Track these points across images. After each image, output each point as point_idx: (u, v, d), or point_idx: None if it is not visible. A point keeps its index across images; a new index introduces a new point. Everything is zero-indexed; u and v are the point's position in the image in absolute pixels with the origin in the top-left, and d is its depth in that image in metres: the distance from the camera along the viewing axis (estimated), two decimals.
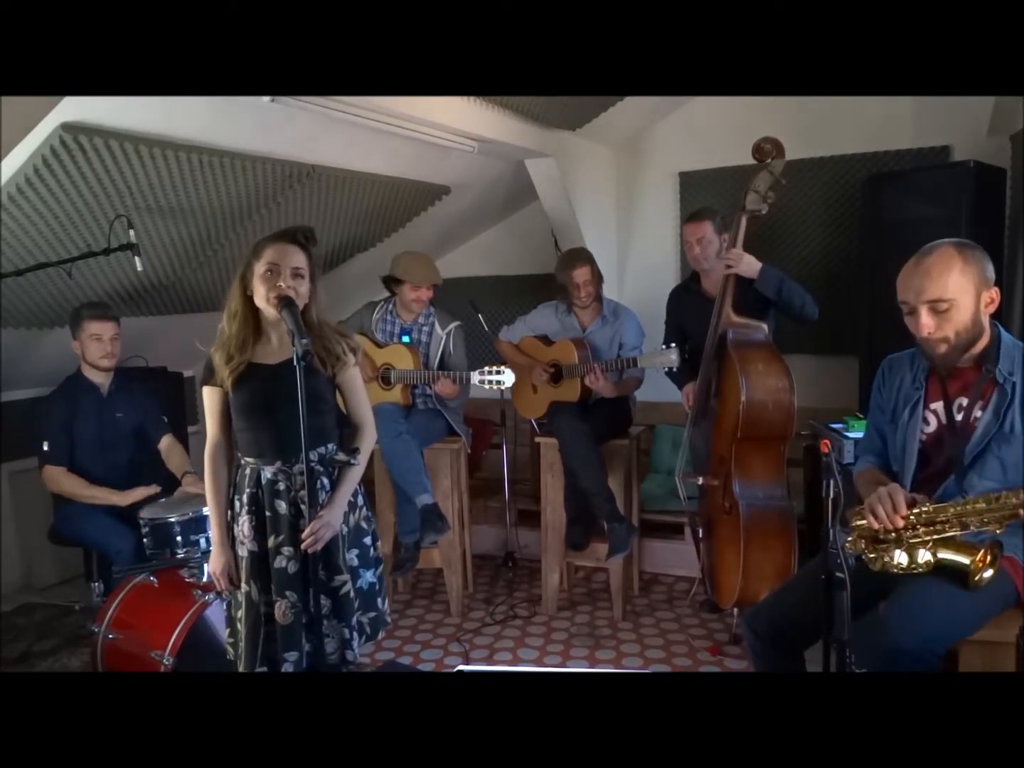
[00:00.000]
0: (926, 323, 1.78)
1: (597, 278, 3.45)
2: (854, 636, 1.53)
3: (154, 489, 2.91)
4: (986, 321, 1.82)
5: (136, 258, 2.60)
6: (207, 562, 2.58)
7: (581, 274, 3.39)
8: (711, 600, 3.24)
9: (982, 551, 1.66)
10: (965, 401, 1.86)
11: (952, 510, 1.73)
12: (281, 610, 1.97)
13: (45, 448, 2.95)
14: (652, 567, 3.94)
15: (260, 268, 1.95)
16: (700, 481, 3.03)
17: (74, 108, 2.16)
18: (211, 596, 2.48)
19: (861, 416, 2.81)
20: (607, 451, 3.33)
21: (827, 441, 1.62)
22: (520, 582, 3.90)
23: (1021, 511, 1.62)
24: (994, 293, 1.80)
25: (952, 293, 1.76)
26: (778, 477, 2.84)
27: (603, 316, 3.49)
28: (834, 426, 3.08)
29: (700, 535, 3.16)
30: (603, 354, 3.41)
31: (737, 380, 2.74)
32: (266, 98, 2.42)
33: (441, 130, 3.07)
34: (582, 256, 3.45)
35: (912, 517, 1.75)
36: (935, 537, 1.73)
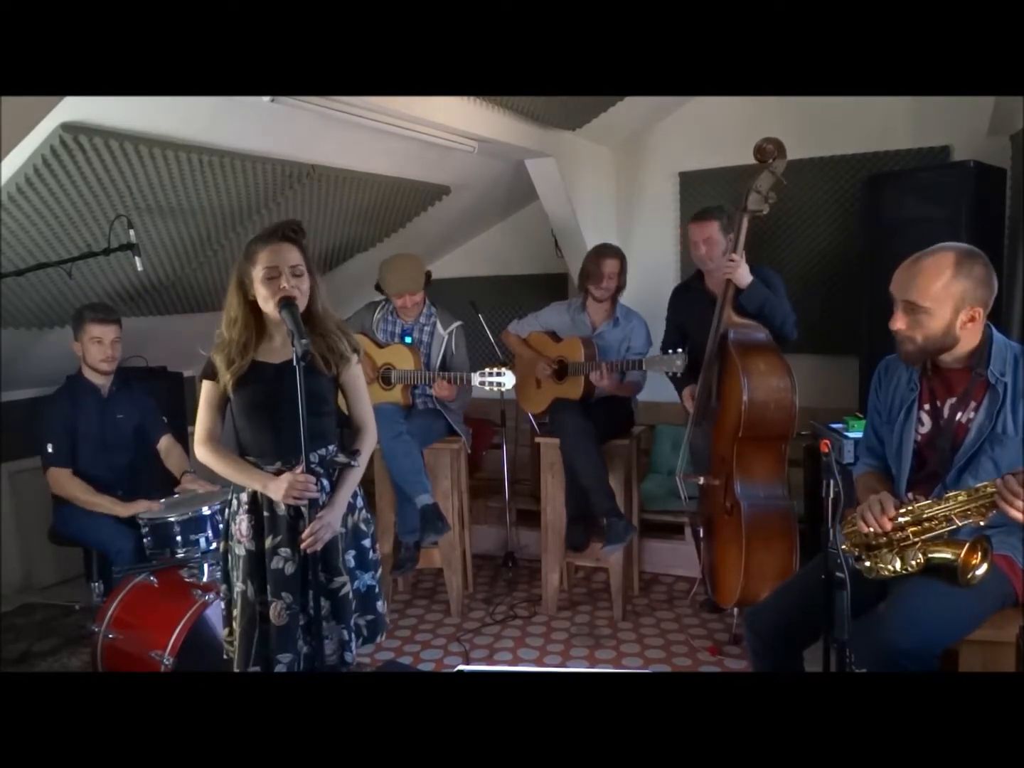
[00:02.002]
0: (898, 318, 1.82)
1: (622, 278, 3.48)
2: (854, 636, 1.54)
3: (157, 504, 2.84)
4: (964, 334, 1.81)
5: (136, 258, 2.60)
6: (207, 562, 2.59)
7: (611, 264, 3.43)
8: (711, 600, 3.24)
9: (967, 545, 1.67)
10: (958, 402, 1.87)
11: (937, 507, 1.74)
12: (276, 611, 1.97)
13: (49, 450, 2.94)
14: (652, 567, 3.94)
15: (259, 272, 1.93)
16: (701, 481, 3.03)
17: (74, 108, 2.16)
18: (211, 596, 2.48)
19: (861, 416, 2.81)
20: (608, 451, 3.33)
21: (827, 441, 1.63)
22: (520, 582, 3.90)
23: (997, 497, 1.63)
24: (976, 312, 1.79)
25: (928, 302, 1.77)
26: (779, 477, 2.85)
27: (615, 319, 3.50)
28: (834, 426, 3.08)
29: (701, 535, 3.17)
30: (611, 356, 3.42)
31: (739, 380, 2.74)
32: (266, 98, 2.42)
33: (441, 130, 3.07)
34: (617, 251, 3.50)
35: (900, 519, 1.77)
36: (924, 537, 1.74)
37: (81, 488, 2.93)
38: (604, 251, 3.48)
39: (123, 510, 2.87)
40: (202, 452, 2.04)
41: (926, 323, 1.79)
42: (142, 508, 2.84)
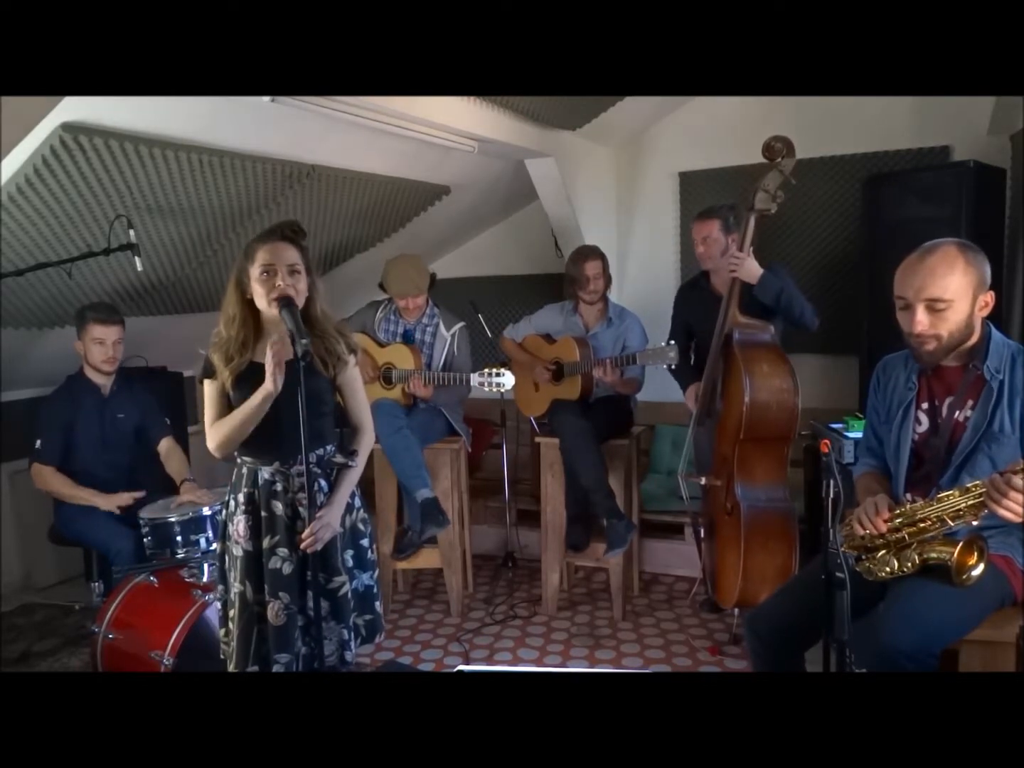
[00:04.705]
0: (921, 320, 1.79)
1: (607, 276, 3.48)
2: (854, 636, 1.54)
3: (140, 494, 2.87)
4: (978, 323, 1.83)
5: (136, 258, 2.60)
6: (207, 562, 2.59)
7: (592, 267, 3.42)
8: (711, 600, 3.24)
9: (961, 544, 1.67)
10: (955, 400, 1.87)
11: (930, 507, 1.74)
12: (274, 611, 1.96)
13: (37, 446, 2.95)
14: (652, 567, 3.94)
15: (256, 270, 1.94)
16: (703, 481, 3.03)
17: (74, 108, 2.16)
18: (211, 596, 2.48)
19: (861, 416, 2.81)
20: (608, 451, 3.33)
21: (827, 441, 1.63)
22: (520, 582, 3.90)
23: (985, 496, 1.63)
24: (989, 297, 1.81)
25: (952, 294, 1.76)
26: (780, 478, 2.84)
27: (608, 318, 3.50)
28: (834, 426, 3.08)
29: (701, 535, 3.16)
30: (606, 356, 3.41)
31: (741, 380, 2.74)
32: (266, 98, 2.42)
33: (441, 130, 3.07)
34: (595, 251, 3.49)
35: (895, 521, 1.77)
36: (919, 538, 1.74)
37: (62, 482, 2.94)
38: (584, 254, 3.47)
39: (103, 501, 2.88)
40: (216, 446, 2.02)
41: (951, 317, 1.78)
42: (124, 500, 2.86)
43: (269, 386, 1.90)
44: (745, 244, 2.87)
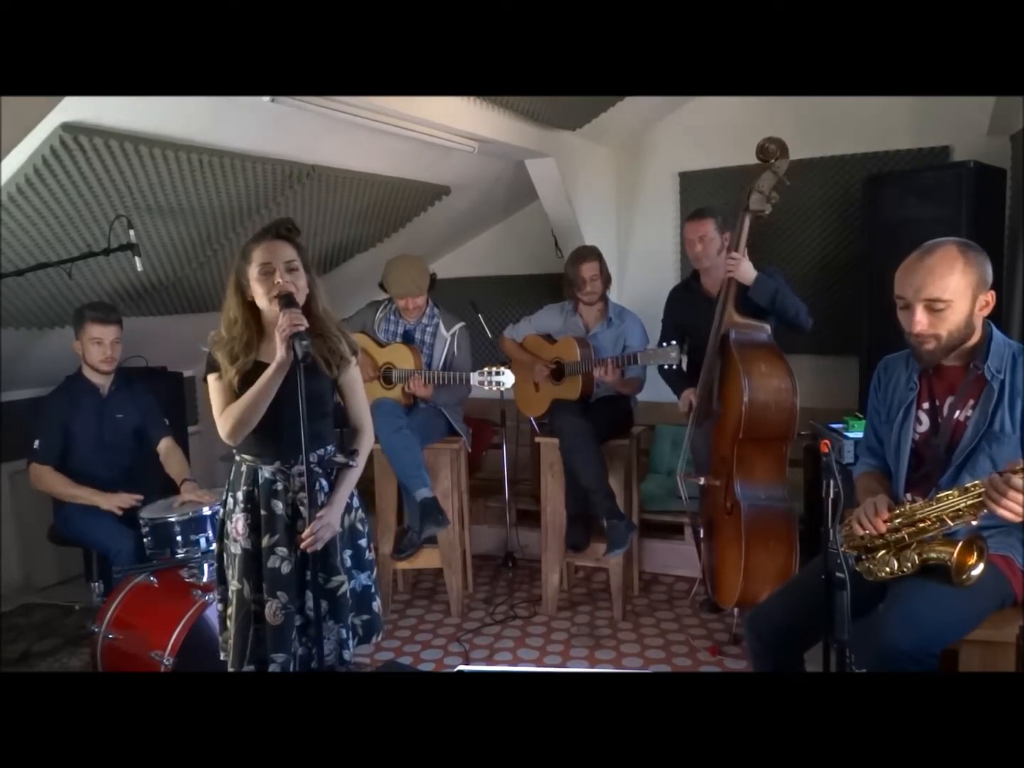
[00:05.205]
0: (920, 320, 1.79)
1: (605, 276, 3.49)
2: (854, 636, 1.54)
3: (138, 498, 2.87)
4: (978, 323, 1.83)
5: (136, 258, 2.60)
6: (208, 562, 2.59)
7: (589, 268, 3.43)
8: (711, 600, 3.24)
9: (960, 544, 1.67)
10: (956, 400, 1.87)
11: (929, 507, 1.74)
12: (271, 610, 1.96)
13: (35, 446, 2.95)
14: (652, 567, 3.94)
15: (254, 270, 1.93)
16: (702, 481, 3.03)
17: (74, 108, 2.16)
18: (211, 596, 2.48)
19: (861, 416, 2.81)
20: (608, 451, 3.33)
21: (827, 441, 1.63)
22: (520, 582, 3.90)
23: (984, 496, 1.62)
24: (990, 297, 1.80)
25: (951, 294, 1.76)
26: (780, 478, 2.84)
27: (608, 319, 3.50)
28: (834, 426, 3.08)
29: (701, 535, 3.16)
30: (607, 356, 3.41)
31: (739, 381, 2.74)
32: (266, 98, 2.42)
33: (441, 130, 3.07)
34: (592, 252, 3.50)
35: (895, 521, 1.77)
36: (919, 538, 1.74)
37: (61, 481, 2.94)
38: (581, 255, 3.47)
39: (103, 500, 2.88)
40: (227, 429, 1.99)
41: (950, 317, 1.78)
42: (124, 501, 2.86)
43: (282, 354, 1.88)
44: (740, 245, 2.87)
